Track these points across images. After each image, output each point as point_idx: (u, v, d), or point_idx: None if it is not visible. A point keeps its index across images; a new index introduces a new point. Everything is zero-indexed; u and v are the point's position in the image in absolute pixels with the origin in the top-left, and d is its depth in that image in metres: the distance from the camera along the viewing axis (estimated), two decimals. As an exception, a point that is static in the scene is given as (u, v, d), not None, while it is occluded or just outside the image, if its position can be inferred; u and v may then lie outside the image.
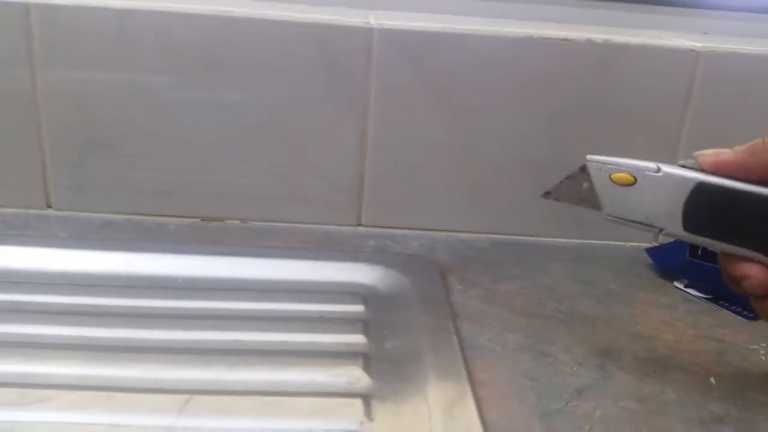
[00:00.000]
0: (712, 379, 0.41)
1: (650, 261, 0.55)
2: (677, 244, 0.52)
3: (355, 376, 0.39)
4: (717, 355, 0.43)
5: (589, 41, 0.54)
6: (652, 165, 0.36)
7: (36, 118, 0.53)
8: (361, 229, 0.57)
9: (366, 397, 0.37)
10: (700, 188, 0.35)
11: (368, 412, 0.36)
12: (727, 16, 0.66)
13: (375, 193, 0.57)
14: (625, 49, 0.54)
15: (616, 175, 0.37)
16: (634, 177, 0.36)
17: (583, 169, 0.40)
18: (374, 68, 0.53)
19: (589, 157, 0.40)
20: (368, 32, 0.52)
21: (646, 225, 0.36)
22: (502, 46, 0.53)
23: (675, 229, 0.36)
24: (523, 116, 0.55)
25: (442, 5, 0.61)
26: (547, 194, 0.41)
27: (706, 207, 0.35)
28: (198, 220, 0.56)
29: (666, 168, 0.36)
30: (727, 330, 0.46)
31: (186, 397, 0.36)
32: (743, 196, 0.34)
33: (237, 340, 0.42)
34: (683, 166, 0.35)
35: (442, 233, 0.57)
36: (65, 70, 0.52)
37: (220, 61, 0.52)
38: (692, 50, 0.54)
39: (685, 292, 0.51)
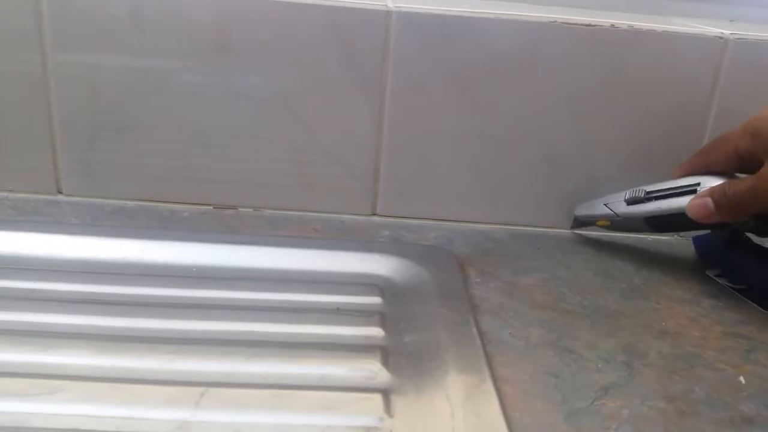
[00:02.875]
0: (741, 378, 0.39)
1: (672, 254, 0.55)
2: (716, 234, 0.52)
3: (373, 370, 0.38)
4: (745, 353, 0.42)
5: (613, 27, 0.52)
6: (612, 212, 0.52)
7: (47, 102, 0.52)
8: (376, 218, 0.56)
9: (385, 392, 0.36)
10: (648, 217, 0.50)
11: (388, 407, 0.35)
12: (751, 3, 0.64)
13: (391, 181, 0.55)
14: (650, 35, 0.52)
15: (599, 223, 0.54)
16: (609, 220, 0.52)
17: (576, 220, 0.56)
18: (391, 53, 0.52)
19: (576, 213, 0.55)
20: (386, 15, 0.51)
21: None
22: (524, 31, 0.52)
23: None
24: (544, 104, 0.54)
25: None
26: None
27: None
28: (211, 207, 0.55)
29: (622, 210, 0.51)
30: (755, 327, 0.45)
31: (202, 389, 0.35)
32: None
33: (252, 331, 0.41)
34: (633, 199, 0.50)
35: (460, 224, 0.56)
36: (76, 53, 0.51)
37: (233, 44, 0.51)
38: (720, 37, 0.52)
39: (715, 281, 0.51)
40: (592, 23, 0.52)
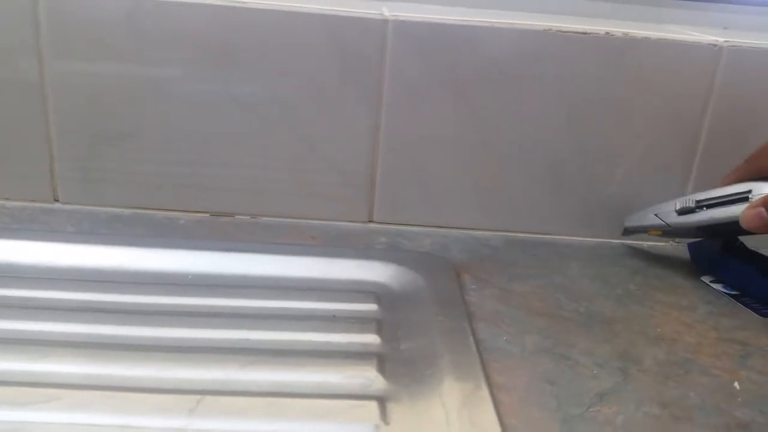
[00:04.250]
0: (736, 384, 0.39)
1: (667, 260, 0.55)
2: (711, 240, 0.52)
3: (369, 377, 0.38)
4: (740, 359, 0.42)
5: (608, 35, 0.52)
6: (663, 222, 0.51)
7: (44, 110, 0.52)
8: (372, 225, 0.56)
9: (381, 400, 0.36)
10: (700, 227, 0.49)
11: (384, 414, 0.35)
12: (745, 11, 0.65)
13: (387, 188, 0.56)
14: (644, 43, 0.53)
15: (651, 232, 0.53)
16: (661, 230, 0.52)
17: (626, 230, 0.55)
18: (388, 61, 0.52)
19: (626, 224, 0.55)
20: (382, 24, 0.51)
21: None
22: (520, 39, 0.52)
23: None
24: (540, 111, 0.54)
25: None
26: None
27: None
28: (207, 215, 0.55)
29: (674, 220, 0.50)
30: (750, 332, 0.45)
31: (198, 397, 0.35)
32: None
33: (248, 339, 0.41)
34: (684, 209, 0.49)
35: (455, 230, 0.56)
36: (74, 61, 0.51)
37: (231, 52, 0.51)
38: (714, 45, 0.53)
39: (710, 287, 0.51)
40: (588, 31, 0.52)
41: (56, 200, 0.55)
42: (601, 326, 0.44)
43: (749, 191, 0.46)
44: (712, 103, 0.54)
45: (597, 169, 0.55)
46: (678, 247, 0.57)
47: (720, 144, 0.55)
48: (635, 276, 0.52)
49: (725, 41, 0.53)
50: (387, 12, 0.51)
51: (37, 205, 0.54)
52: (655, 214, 0.51)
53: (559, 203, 0.56)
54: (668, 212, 0.50)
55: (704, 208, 0.48)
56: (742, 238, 0.51)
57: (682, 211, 0.49)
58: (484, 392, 0.36)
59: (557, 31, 0.52)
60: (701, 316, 0.47)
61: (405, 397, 0.36)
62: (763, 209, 0.44)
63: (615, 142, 0.55)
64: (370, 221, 0.57)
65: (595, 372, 0.39)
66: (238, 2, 0.50)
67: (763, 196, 0.45)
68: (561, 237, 0.57)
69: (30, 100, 0.52)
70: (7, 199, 0.55)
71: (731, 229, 0.47)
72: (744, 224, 0.45)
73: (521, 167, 0.55)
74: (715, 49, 0.53)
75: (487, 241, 0.55)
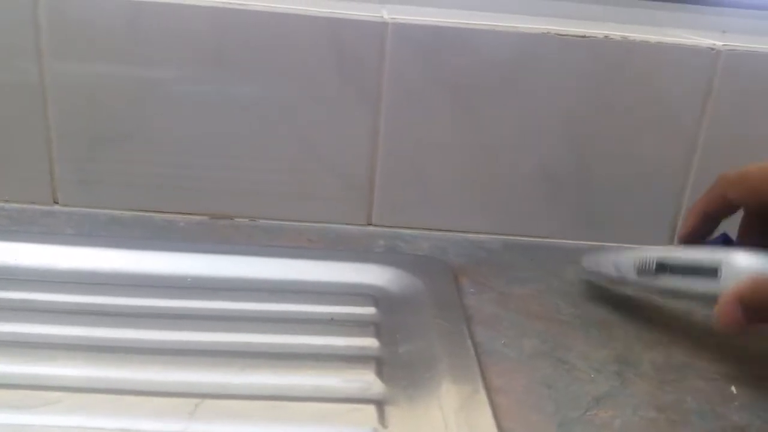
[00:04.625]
0: (733, 388, 0.40)
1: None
2: (710, 244, 0.52)
3: (368, 381, 0.38)
4: (738, 363, 0.42)
5: (607, 38, 0.53)
6: (621, 276, 0.45)
7: (43, 112, 0.52)
8: (371, 228, 0.56)
9: (380, 403, 0.36)
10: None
11: (382, 418, 0.35)
12: (743, 14, 0.65)
13: (386, 191, 0.56)
14: (643, 46, 0.53)
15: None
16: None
17: (585, 270, 0.50)
18: (387, 64, 0.52)
19: (585, 265, 0.50)
20: (382, 27, 0.51)
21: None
22: (519, 42, 0.52)
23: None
24: (538, 114, 0.54)
25: (457, 0, 0.60)
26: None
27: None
28: (206, 217, 0.55)
29: (632, 277, 0.44)
30: (747, 336, 0.45)
31: (197, 400, 0.35)
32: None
33: (247, 342, 0.41)
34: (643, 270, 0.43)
35: (454, 234, 0.56)
36: (73, 63, 0.51)
37: (230, 55, 0.51)
38: (712, 48, 0.53)
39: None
40: (586, 34, 0.52)
41: (55, 202, 0.55)
42: (598, 330, 0.45)
43: (718, 266, 0.38)
44: (710, 106, 0.54)
45: (595, 173, 0.56)
46: (676, 251, 0.57)
47: (718, 147, 0.55)
48: (633, 279, 0.52)
49: (723, 45, 0.53)
50: (386, 15, 0.52)
51: (37, 207, 0.54)
52: (614, 264, 0.45)
53: (557, 207, 0.57)
54: (628, 266, 0.43)
55: (666, 273, 0.41)
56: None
57: (641, 272, 0.42)
58: (482, 395, 0.36)
59: (556, 34, 0.52)
60: (699, 320, 0.47)
61: (403, 401, 0.37)
62: (738, 306, 0.37)
63: (612, 145, 0.55)
64: (369, 224, 0.57)
65: (592, 376, 0.40)
66: (238, 4, 0.50)
67: (737, 287, 0.37)
68: (559, 240, 0.57)
69: (30, 102, 0.52)
70: (6, 201, 0.55)
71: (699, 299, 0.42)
72: (719, 326, 0.37)
73: (519, 170, 0.55)
74: (713, 53, 0.53)
75: (485, 245, 0.55)
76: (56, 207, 0.55)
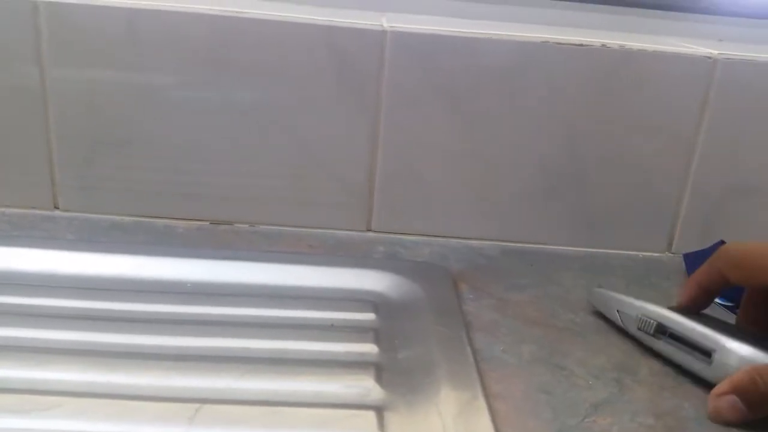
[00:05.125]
0: (730, 395, 0.40)
1: (663, 271, 0.55)
2: (708, 251, 0.52)
3: (367, 386, 0.38)
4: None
5: (604, 47, 0.53)
6: (624, 326, 0.45)
7: (44, 118, 0.53)
8: (370, 234, 0.57)
9: (379, 409, 0.36)
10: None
11: (381, 424, 0.35)
12: (740, 23, 0.65)
13: (385, 197, 0.56)
14: (640, 55, 0.53)
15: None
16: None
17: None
18: (386, 71, 0.52)
19: (593, 300, 0.49)
20: (381, 35, 0.51)
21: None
22: (516, 50, 0.53)
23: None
24: (536, 122, 0.54)
25: (455, 9, 0.61)
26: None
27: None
28: (207, 223, 0.56)
29: (633, 330, 0.45)
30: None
31: (196, 405, 0.36)
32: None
33: (246, 347, 0.41)
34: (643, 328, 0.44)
35: (453, 240, 0.57)
36: (74, 69, 0.52)
37: (230, 61, 0.52)
38: (709, 57, 0.53)
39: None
40: (584, 43, 0.53)
41: (56, 207, 0.55)
42: (596, 336, 0.45)
43: (712, 350, 0.39)
44: (707, 115, 0.55)
45: (593, 180, 0.56)
46: (674, 258, 0.58)
47: (715, 155, 0.55)
48: (631, 286, 0.52)
49: (720, 53, 0.53)
50: (386, 23, 0.52)
51: (37, 212, 0.55)
52: (618, 311, 0.45)
53: (555, 213, 0.57)
54: (630, 317, 0.44)
55: (663, 337, 0.42)
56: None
57: (641, 329, 0.43)
58: (481, 402, 0.36)
59: (554, 42, 0.53)
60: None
61: (402, 407, 0.37)
62: (735, 399, 0.37)
63: (610, 153, 0.55)
64: (369, 230, 0.57)
65: (590, 382, 0.40)
66: (238, 12, 0.51)
67: (731, 379, 0.37)
68: (557, 247, 0.57)
69: (30, 108, 0.52)
70: (7, 206, 0.55)
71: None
72: (714, 419, 0.37)
73: (518, 177, 0.56)
74: (709, 62, 0.53)
75: (483, 251, 0.56)
76: (57, 212, 0.55)
